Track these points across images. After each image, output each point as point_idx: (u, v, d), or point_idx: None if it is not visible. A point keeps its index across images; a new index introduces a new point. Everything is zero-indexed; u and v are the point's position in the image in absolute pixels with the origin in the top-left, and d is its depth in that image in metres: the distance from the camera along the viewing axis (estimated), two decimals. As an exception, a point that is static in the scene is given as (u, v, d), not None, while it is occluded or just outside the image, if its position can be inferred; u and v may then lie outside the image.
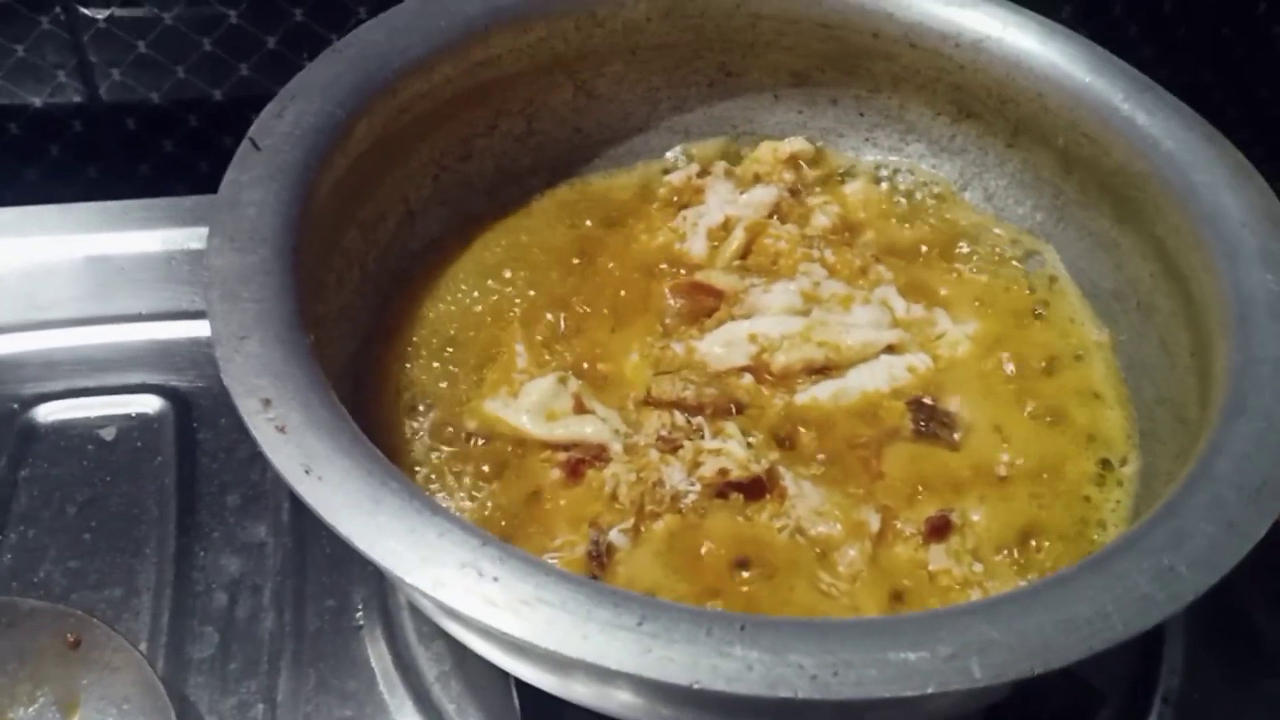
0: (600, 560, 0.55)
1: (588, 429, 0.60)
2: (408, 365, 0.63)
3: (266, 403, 0.46)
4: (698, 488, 0.58)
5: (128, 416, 0.72)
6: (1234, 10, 0.95)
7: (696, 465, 0.58)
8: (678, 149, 0.76)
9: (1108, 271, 0.67)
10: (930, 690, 0.40)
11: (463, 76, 0.67)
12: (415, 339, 0.64)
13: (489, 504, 0.58)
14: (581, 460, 0.59)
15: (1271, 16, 0.93)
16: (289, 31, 0.85)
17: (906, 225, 0.73)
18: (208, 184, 0.56)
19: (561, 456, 0.59)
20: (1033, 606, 0.43)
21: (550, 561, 0.55)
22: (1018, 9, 0.69)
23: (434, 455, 0.60)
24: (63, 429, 0.71)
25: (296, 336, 0.49)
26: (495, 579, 0.43)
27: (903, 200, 0.74)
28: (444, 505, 0.57)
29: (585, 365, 0.64)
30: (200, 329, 0.50)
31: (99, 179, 0.92)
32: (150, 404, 0.73)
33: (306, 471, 0.45)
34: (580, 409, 0.61)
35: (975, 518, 0.58)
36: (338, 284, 0.61)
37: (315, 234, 0.56)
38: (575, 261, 0.69)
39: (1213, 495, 0.47)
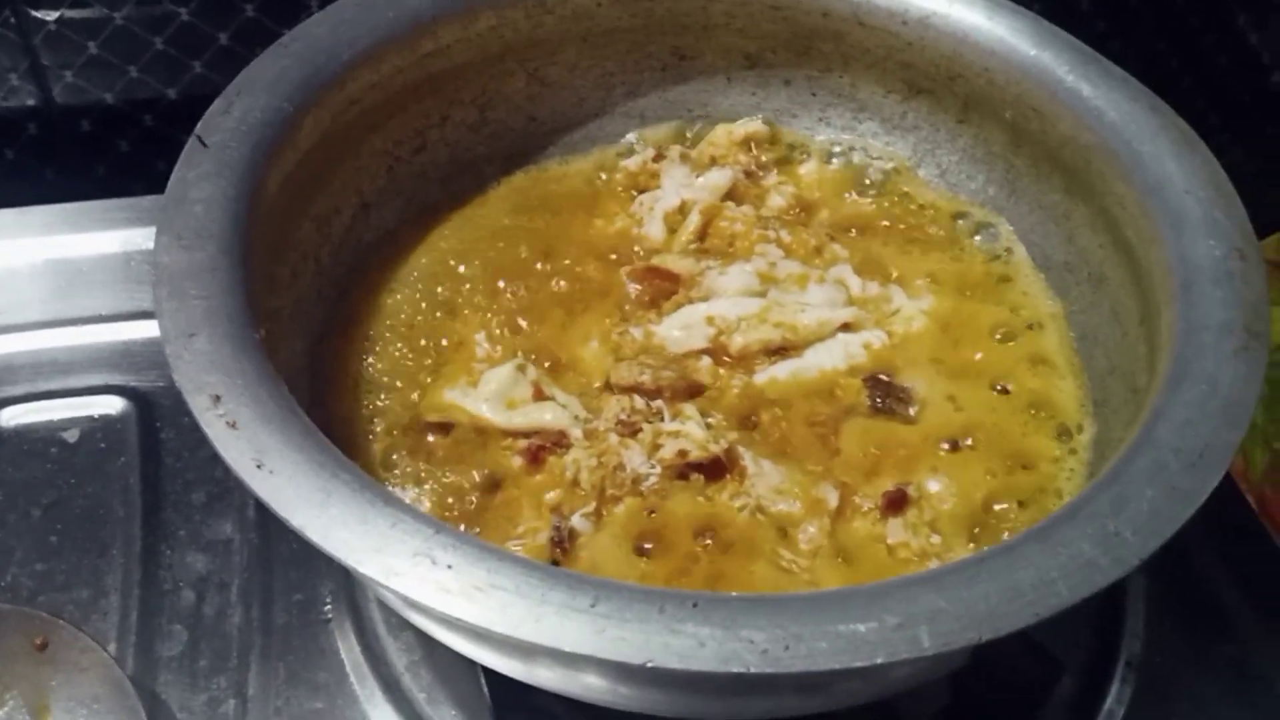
0: (563, 545, 0.56)
1: (547, 415, 0.60)
2: (366, 358, 0.63)
3: (216, 399, 0.47)
4: (658, 470, 0.58)
5: (90, 418, 0.72)
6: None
7: (656, 448, 0.59)
8: (633, 134, 0.76)
9: (1060, 243, 0.68)
10: (880, 660, 0.41)
11: (412, 67, 0.66)
12: (373, 331, 0.64)
13: (451, 494, 0.58)
14: (542, 447, 0.59)
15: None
16: (241, 28, 0.85)
17: (861, 203, 0.73)
18: (165, 183, 0.56)
19: (522, 444, 0.59)
20: (980, 575, 0.43)
21: (514, 549, 0.56)
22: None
23: (395, 447, 0.60)
24: (25, 432, 0.71)
25: (245, 332, 0.49)
26: (449, 566, 0.43)
27: (857, 179, 0.74)
28: (403, 496, 0.57)
29: (545, 353, 0.64)
30: (160, 329, 0.50)
31: (56, 181, 0.91)
32: (113, 405, 0.73)
33: (258, 466, 0.45)
34: (540, 396, 0.61)
35: (933, 490, 0.59)
36: (292, 278, 0.61)
37: (266, 229, 0.56)
38: (533, 249, 0.69)
39: (1155, 461, 0.47)
